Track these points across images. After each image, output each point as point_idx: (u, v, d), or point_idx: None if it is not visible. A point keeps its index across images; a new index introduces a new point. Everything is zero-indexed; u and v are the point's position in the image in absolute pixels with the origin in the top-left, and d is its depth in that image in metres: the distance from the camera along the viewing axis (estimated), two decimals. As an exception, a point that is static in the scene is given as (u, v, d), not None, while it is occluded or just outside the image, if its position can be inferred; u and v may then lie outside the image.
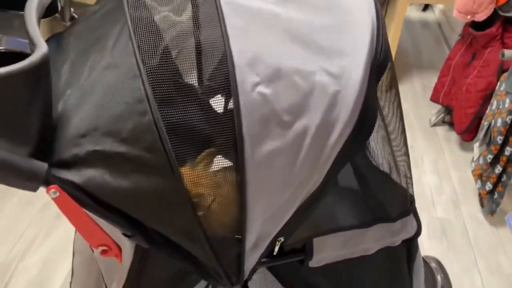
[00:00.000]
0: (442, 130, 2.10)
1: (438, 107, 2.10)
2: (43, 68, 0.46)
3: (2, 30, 0.85)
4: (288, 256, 0.68)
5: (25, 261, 1.39)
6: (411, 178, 0.72)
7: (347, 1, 0.54)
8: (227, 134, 0.48)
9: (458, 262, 1.48)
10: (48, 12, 0.60)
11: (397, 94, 0.65)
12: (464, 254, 1.52)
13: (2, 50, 0.80)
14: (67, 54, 0.57)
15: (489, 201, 1.60)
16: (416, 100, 2.29)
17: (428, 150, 1.98)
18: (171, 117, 0.47)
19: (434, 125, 2.12)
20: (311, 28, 0.51)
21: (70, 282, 0.88)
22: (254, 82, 0.47)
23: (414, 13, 3.20)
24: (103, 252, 0.57)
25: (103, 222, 0.52)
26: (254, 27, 0.49)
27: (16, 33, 0.81)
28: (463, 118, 1.85)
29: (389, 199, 0.73)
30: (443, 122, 2.12)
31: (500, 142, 1.48)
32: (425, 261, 1.18)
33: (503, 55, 1.45)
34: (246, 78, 0.47)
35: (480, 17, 1.70)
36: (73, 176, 0.48)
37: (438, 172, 1.86)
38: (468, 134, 1.89)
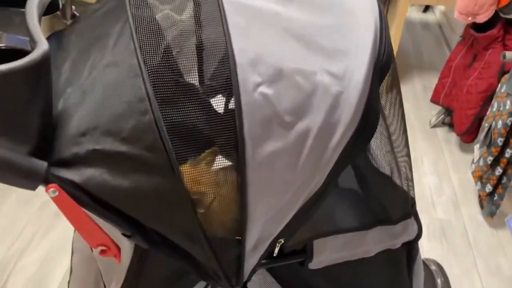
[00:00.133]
0: (442, 132, 2.10)
1: (438, 108, 2.10)
2: (43, 66, 0.46)
3: (3, 27, 0.85)
4: (288, 257, 0.67)
5: (24, 260, 1.38)
6: (412, 180, 0.72)
7: (350, 1, 0.54)
8: (228, 135, 0.48)
9: (457, 264, 1.48)
10: (49, 9, 0.60)
11: (399, 95, 0.64)
12: (464, 255, 1.51)
13: (3, 47, 0.80)
14: (68, 52, 0.57)
15: (489, 203, 1.60)
16: (416, 101, 2.29)
17: (428, 151, 1.98)
18: (172, 117, 0.47)
19: (434, 126, 2.12)
20: (313, 28, 0.51)
21: (69, 281, 0.88)
22: (256, 82, 0.47)
23: (415, 14, 3.21)
24: (102, 252, 0.57)
25: (102, 221, 0.52)
26: (255, 26, 0.49)
27: (16, 31, 0.81)
28: (464, 120, 1.85)
29: (390, 201, 0.72)
30: (443, 123, 2.12)
31: (500, 144, 1.48)
32: (425, 264, 1.17)
33: (504, 56, 1.45)
34: (248, 78, 0.47)
35: (481, 18, 1.69)
36: (73, 175, 0.47)
37: (438, 173, 1.86)
38: (468, 135, 1.89)
